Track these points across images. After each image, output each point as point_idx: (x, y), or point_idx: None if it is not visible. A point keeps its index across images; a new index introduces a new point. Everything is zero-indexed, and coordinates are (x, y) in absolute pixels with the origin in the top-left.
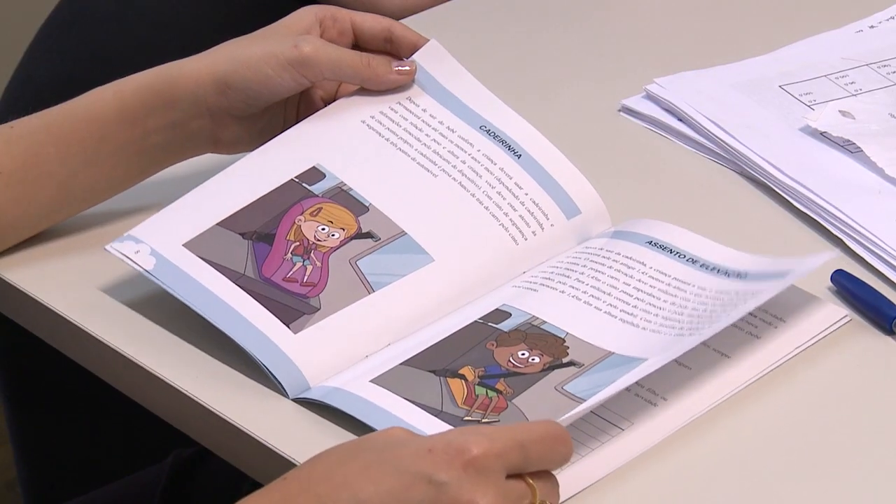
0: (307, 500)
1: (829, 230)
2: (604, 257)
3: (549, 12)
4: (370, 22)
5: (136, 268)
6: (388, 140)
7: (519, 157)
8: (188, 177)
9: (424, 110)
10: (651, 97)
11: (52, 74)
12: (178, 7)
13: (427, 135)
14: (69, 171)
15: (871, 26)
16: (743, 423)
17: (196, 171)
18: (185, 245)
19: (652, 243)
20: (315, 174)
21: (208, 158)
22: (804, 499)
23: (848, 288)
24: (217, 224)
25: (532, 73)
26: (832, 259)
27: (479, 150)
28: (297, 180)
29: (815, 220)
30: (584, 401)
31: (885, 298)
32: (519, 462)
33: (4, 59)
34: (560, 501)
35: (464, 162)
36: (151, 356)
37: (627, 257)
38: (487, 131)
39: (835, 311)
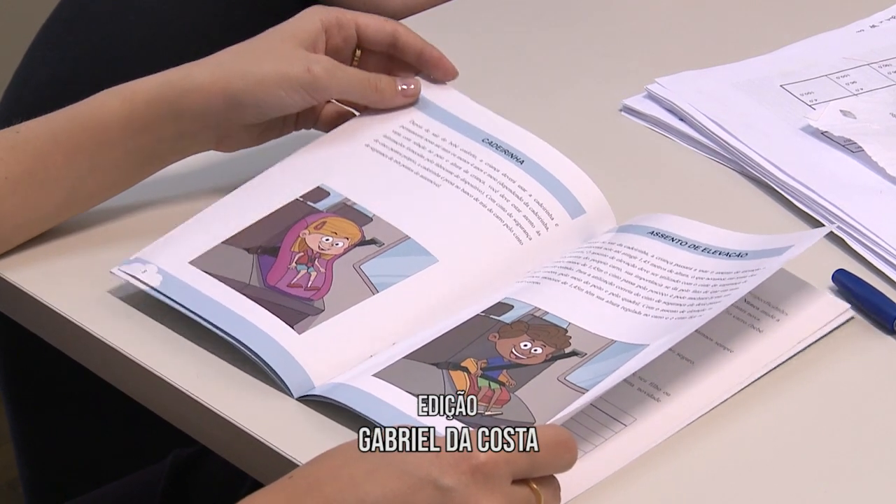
0: (314, 500)
1: (830, 229)
2: (606, 249)
3: (549, 12)
4: (375, 26)
5: (143, 287)
6: (391, 159)
7: (522, 163)
8: (191, 176)
9: (427, 130)
10: (652, 97)
11: (53, 75)
12: (178, 7)
13: (430, 151)
14: (76, 177)
15: (872, 26)
16: (743, 423)
17: (198, 171)
18: (191, 262)
19: (654, 233)
20: (319, 193)
21: (212, 159)
22: (806, 498)
23: (849, 287)
24: (223, 242)
25: (533, 73)
26: (833, 257)
27: (481, 160)
28: (301, 199)
29: (816, 219)
30: (587, 391)
31: (887, 298)
32: (526, 468)
33: (4, 59)
34: (563, 502)
35: (466, 171)
36: (152, 355)
37: (629, 247)
38: (490, 143)
39: (837, 304)
